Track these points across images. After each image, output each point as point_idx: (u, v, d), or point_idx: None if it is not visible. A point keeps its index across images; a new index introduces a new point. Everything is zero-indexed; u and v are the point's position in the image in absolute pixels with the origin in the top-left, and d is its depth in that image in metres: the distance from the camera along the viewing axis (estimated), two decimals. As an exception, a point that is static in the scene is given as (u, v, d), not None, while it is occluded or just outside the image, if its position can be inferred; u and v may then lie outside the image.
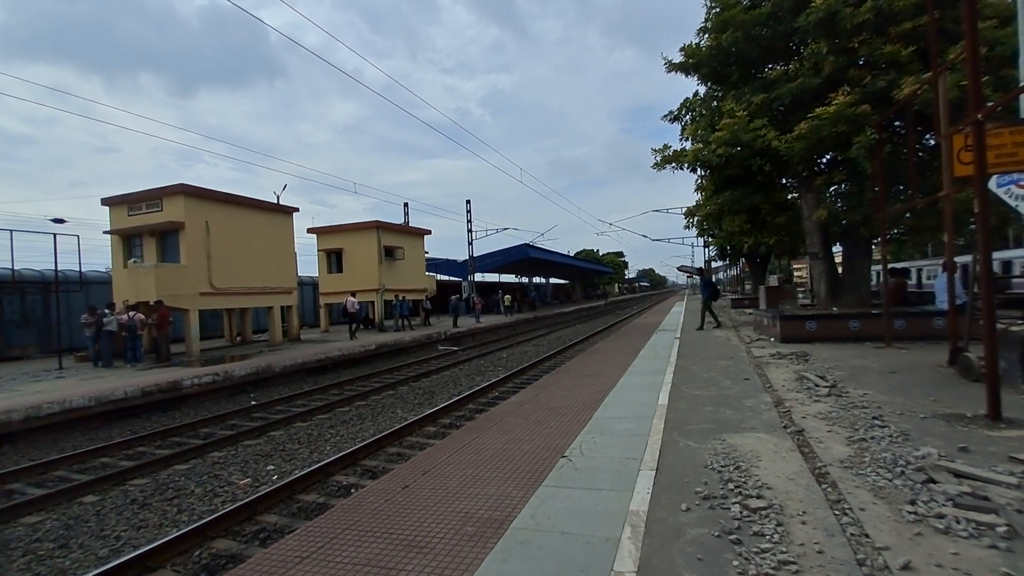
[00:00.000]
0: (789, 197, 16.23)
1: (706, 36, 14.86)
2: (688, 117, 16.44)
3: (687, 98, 16.60)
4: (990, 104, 6.02)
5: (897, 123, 12.94)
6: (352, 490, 5.67)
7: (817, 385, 6.98)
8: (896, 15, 11.45)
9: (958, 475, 3.71)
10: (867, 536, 2.99)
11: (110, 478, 6.42)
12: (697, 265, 55.76)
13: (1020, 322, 7.17)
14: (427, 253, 29.92)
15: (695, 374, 8.53)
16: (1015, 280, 18.31)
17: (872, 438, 4.66)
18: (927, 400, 5.91)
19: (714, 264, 45.89)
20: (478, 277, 35.71)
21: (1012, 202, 6.78)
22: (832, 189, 14.99)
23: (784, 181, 15.64)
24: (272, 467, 6.82)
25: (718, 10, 14.27)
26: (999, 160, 5.42)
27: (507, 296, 33.29)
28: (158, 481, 6.43)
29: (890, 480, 3.73)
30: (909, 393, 6.30)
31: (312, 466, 6.34)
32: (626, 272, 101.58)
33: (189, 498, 5.87)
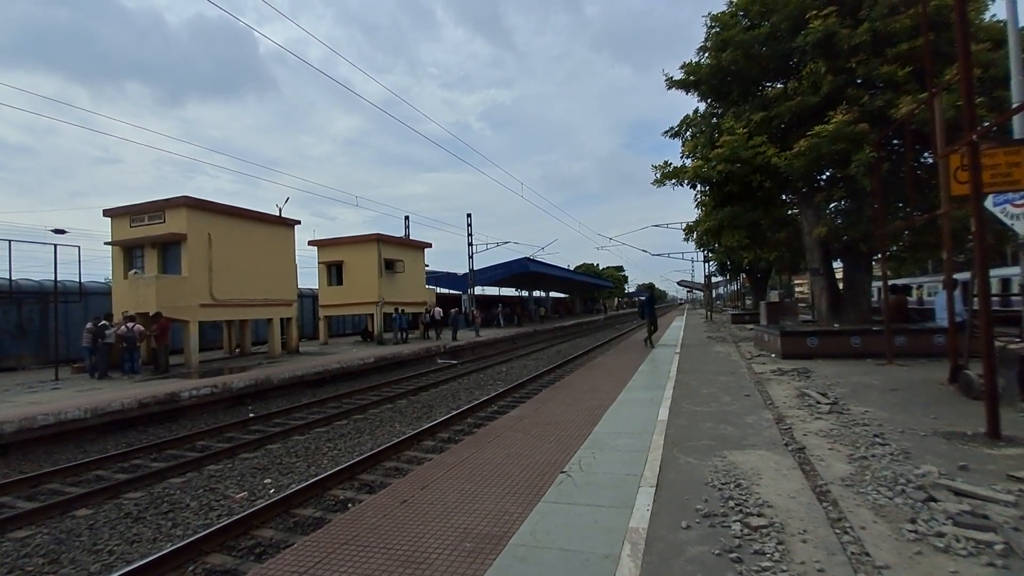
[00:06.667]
0: (789, 213, 16.33)
1: (706, 55, 15.09)
2: (688, 133, 16.62)
3: (687, 115, 16.79)
4: (985, 125, 6.11)
5: (895, 141, 13.09)
6: (350, 505, 5.62)
7: (818, 402, 6.96)
8: (892, 37, 11.67)
9: (958, 493, 3.69)
10: (868, 555, 2.97)
11: (104, 491, 6.35)
12: (698, 280, 55.88)
13: (1018, 340, 7.17)
14: (427, 266, 29.98)
15: (695, 390, 8.51)
16: (1013, 298, 18.31)
17: (873, 456, 4.65)
18: (928, 418, 5.89)
19: (714, 279, 45.95)
20: (478, 291, 35.75)
21: (1007, 221, 6.85)
22: (832, 206, 15.10)
23: (784, 197, 15.76)
24: (269, 481, 6.76)
25: (718, 30, 14.52)
26: (994, 180, 5.48)
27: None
28: (153, 494, 6.37)
29: (891, 498, 3.71)
30: (910, 411, 6.28)
31: (309, 480, 6.29)
32: (626, 286, 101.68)
33: (184, 512, 5.81)
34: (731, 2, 14.57)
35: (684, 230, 19.34)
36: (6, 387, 12.13)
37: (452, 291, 39.16)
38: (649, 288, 18.82)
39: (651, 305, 17.03)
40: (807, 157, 11.79)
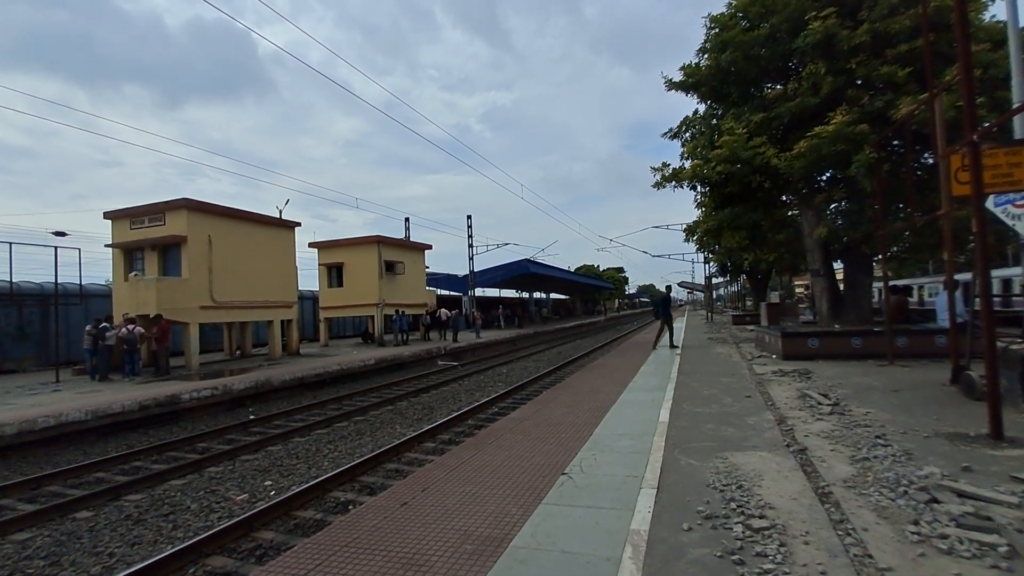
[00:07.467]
0: (789, 214, 16.32)
1: (706, 56, 15.10)
2: (688, 134, 16.63)
3: (687, 116, 16.81)
4: (986, 125, 6.11)
5: (896, 142, 13.07)
6: (350, 507, 5.61)
7: (820, 403, 6.94)
8: (892, 37, 11.67)
9: (961, 495, 3.68)
10: (870, 557, 2.96)
11: (105, 493, 6.35)
12: (699, 281, 55.91)
13: (1020, 340, 7.15)
14: (428, 268, 29.99)
15: (696, 391, 8.49)
16: (1015, 298, 18.30)
17: (875, 457, 4.63)
18: (930, 419, 5.88)
19: (715, 280, 45.94)
20: (478, 292, 35.76)
21: (1008, 221, 6.84)
22: (832, 207, 15.08)
23: (784, 198, 15.75)
24: (270, 482, 6.75)
25: (718, 31, 14.53)
26: (995, 180, 5.47)
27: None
28: (154, 496, 6.36)
29: (893, 500, 3.70)
30: (912, 412, 6.26)
31: (310, 482, 6.28)
32: (626, 288, 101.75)
33: (185, 514, 5.80)
34: (731, 3, 14.58)
35: (684, 231, 19.34)
36: (7, 389, 12.13)
37: (453, 293, 39.18)
38: (664, 289, 18.16)
39: (666, 306, 16.70)
40: (807, 158, 11.78)
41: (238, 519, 5.13)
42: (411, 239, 31.32)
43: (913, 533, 3.18)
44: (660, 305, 16.83)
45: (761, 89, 14.93)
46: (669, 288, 17.17)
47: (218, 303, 15.98)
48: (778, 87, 14.33)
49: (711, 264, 38.70)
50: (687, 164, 15.74)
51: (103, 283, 19.46)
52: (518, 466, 5.07)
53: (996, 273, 18.08)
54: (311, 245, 25.01)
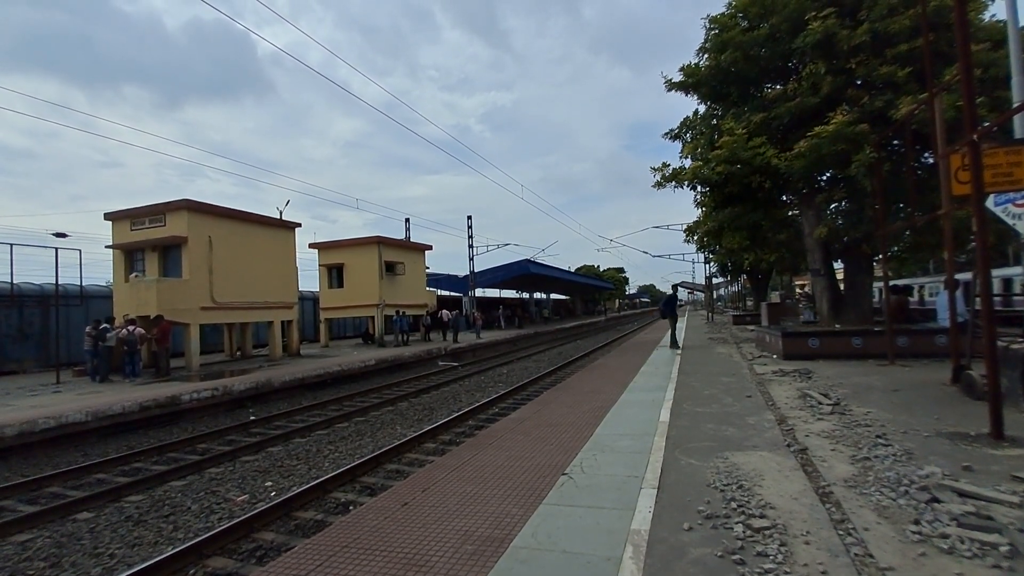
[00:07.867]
0: (790, 214, 16.32)
1: (705, 56, 15.10)
2: (688, 135, 16.62)
3: (687, 116, 16.82)
4: (986, 124, 6.11)
5: (896, 142, 13.07)
6: (351, 507, 5.61)
7: (820, 403, 6.94)
8: (892, 37, 11.66)
9: (962, 494, 3.68)
10: (871, 556, 2.96)
11: (105, 494, 6.35)
12: (699, 282, 55.92)
13: (1021, 340, 7.15)
14: (428, 268, 30.00)
15: (697, 391, 8.49)
16: (1015, 297, 18.29)
17: (876, 457, 4.63)
18: (930, 418, 5.87)
19: (715, 280, 45.89)
20: (479, 292, 35.76)
21: (1009, 220, 6.83)
22: (832, 207, 15.07)
23: (784, 198, 15.75)
24: (270, 483, 6.75)
25: (717, 31, 14.53)
26: (995, 179, 5.47)
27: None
28: (154, 497, 6.36)
29: (894, 499, 3.70)
30: (912, 411, 6.26)
31: (310, 483, 6.28)
32: (627, 288, 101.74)
33: (185, 515, 5.80)
34: (730, 3, 14.58)
35: (685, 232, 19.35)
36: (7, 390, 12.13)
37: (453, 293, 39.18)
38: (670, 289, 18.44)
39: (671, 305, 16.77)
40: (807, 158, 11.76)
41: (238, 520, 5.13)
42: (411, 240, 31.32)
43: (914, 533, 3.18)
44: (665, 304, 17.00)
45: (761, 89, 14.92)
46: (675, 288, 17.39)
47: (218, 304, 15.99)
48: (778, 87, 14.32)
49: (711, 264, 38.72)
50: (687, 164, 15.74)
51: (104, 284, 19.46)
52: (519, 466, 5.07)
53: (996, 272, 18.07)
54: (311, 246, 25.01)
